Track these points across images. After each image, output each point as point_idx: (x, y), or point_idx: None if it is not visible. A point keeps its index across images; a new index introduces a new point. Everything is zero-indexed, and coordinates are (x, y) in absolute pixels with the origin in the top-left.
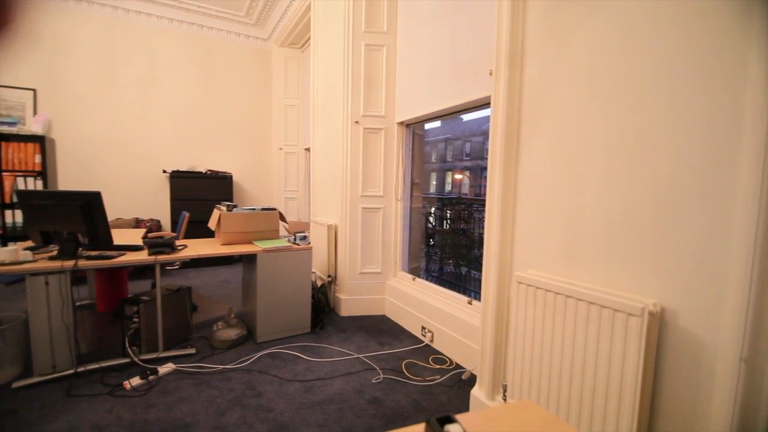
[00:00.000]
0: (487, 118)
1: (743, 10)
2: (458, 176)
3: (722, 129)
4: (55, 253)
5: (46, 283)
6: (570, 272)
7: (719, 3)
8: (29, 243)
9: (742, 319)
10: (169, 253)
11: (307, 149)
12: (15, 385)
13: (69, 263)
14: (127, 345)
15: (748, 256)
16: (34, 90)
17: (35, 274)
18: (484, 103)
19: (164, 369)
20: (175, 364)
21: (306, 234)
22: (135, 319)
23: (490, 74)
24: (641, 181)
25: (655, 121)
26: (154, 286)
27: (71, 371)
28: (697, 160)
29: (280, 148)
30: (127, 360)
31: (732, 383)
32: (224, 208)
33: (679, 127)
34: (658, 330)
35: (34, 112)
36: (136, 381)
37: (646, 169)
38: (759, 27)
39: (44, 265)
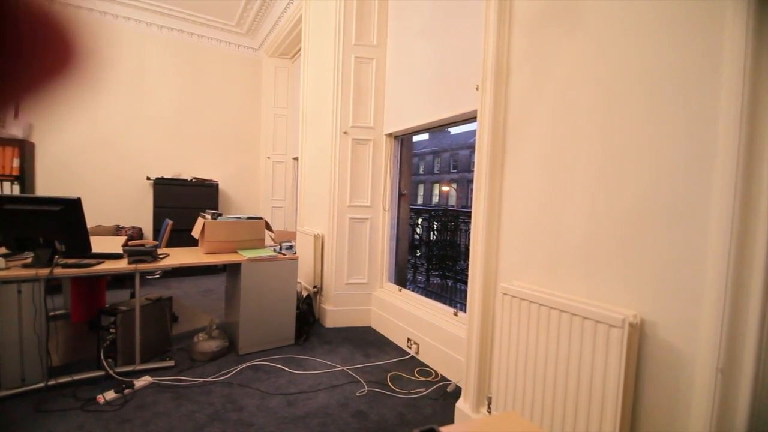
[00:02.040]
0: (473, 132)
1: (715, 24)
2: (445, 188)
3: (697, 144)
4: (29, 260)
5: (19, 292)
6: (554, 283)
7: (692, 19)
8: (2, 250)
9: (717, 330)
10: (150, 262)
11: (296, 159)
12: None
13: (44, 271)
14: (102, 357)
15: (722, 270)
16: None
17: (7, 282)
18: (471, 117)
19: (141, 382)
20: (152, 377)
21: (292, 244)
22: (111, 330)
23: (477, 89)
24: (621, 194)
25: (633, 135)
26: (133, 295)
27: (41, 384)
28: (673, 174)
29: (268, 157)
30: (101, 373)
31: (709, 393)
32: (209, 216)
33: (657, 141)
34: (639, 341)
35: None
36: (110, 395)
37: (625, 183)
38: (731, 45)
39: (17, 272)
